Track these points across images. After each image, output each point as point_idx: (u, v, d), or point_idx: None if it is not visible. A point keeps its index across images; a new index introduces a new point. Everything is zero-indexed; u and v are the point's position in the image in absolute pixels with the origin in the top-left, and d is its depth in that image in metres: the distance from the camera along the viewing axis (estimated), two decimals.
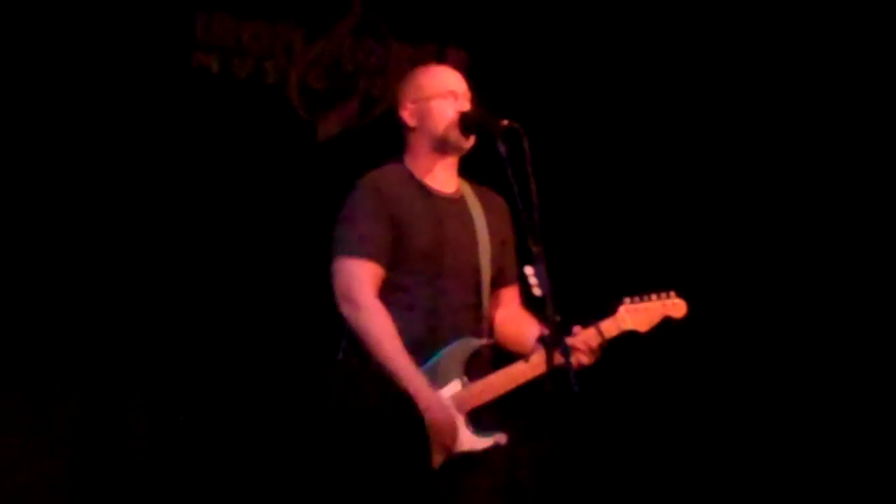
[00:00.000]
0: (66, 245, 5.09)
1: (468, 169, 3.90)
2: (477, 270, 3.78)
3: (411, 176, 3.80)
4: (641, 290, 3.86)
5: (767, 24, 5.86)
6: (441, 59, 5.69)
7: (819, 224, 5.79)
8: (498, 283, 3.87)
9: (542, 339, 3.45)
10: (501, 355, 3.83)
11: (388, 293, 3.67)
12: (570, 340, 3.63)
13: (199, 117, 5.35)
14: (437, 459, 3.61)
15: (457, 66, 5.30)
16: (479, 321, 3.77)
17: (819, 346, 5.75)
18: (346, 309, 3.65)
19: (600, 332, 3.74)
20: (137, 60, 5.20)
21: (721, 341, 5.77)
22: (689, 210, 5.93)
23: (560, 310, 3.39)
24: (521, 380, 3.69)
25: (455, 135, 3.77)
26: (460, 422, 3.64)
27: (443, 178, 3.83)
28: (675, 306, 3.88)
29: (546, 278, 3.40)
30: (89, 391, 5.11)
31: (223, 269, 5.32)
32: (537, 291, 3.41)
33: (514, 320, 3.87)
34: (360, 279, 3.64)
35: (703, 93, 5.93)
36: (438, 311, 3.70)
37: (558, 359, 3.39)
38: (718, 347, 5.79)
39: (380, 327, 3.61)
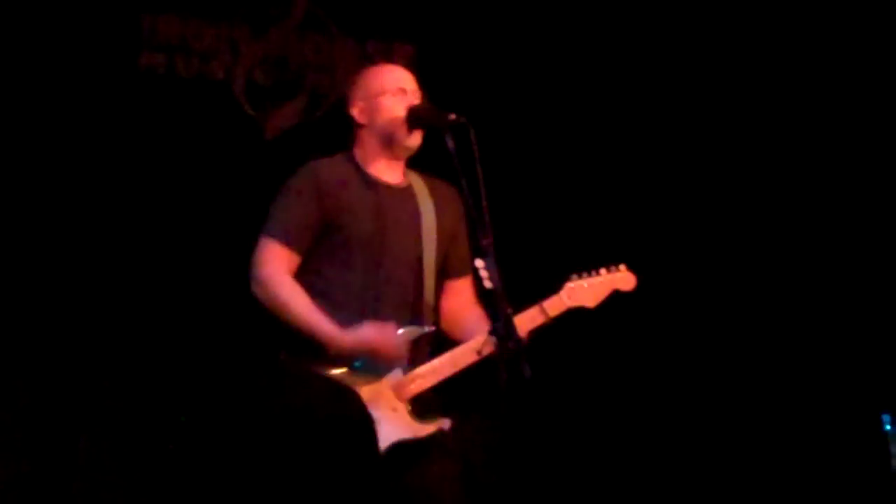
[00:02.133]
0: (8, 245, 5.07)
1: (425, 161, 3.92)
2: (419, 260, 3.80)
3: (357, 166, 3.83)
4: (589, 260, 3.88)
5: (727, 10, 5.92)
6: (387, 54, 5.69)
7: (776, 203, 5.85)
8: (447, 273, 3.89)
9: (493, 330, 3.46)
10: (443, 343, 3.84)
11: (326, 281, 3.69)
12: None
13: (146, 117, 5.34)
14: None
15: (403, 61, 5.34)
16: (419, 311, 3.78)
17: (770, 325, 5.81)
18: (253, 286, 3.68)
19: (544, 311, 3.76)
20: (84, 61, 5.19)
21: (669, 322, 5.81)
22: (635, 196, 5.97)
23: (511, 301, 3.41)
24: (464, 363, 3.71)
25: (403, 133, 3.79)
26: (402, 409, 3.66)
27: (389, 170, 3.85)
28: (623, 279, 3.88)
29: (496, 270, 3.42)
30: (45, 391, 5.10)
31: (170, 267, 5.30)
32: (488, 284, 3.43)
33: (461, 311, 3.89)
34: (268, 258, 3.68)
35: (647, 81, 5.97)
36: (378, 298, 3.71)
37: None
38: (667, 326, 5.83)
39: (285, 291, 3.64)
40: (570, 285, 3.83)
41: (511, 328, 3.42)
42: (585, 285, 3.84)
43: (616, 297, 3.87)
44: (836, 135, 5.78)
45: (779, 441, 5.75)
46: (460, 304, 3.91)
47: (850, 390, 5.67)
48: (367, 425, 3.61)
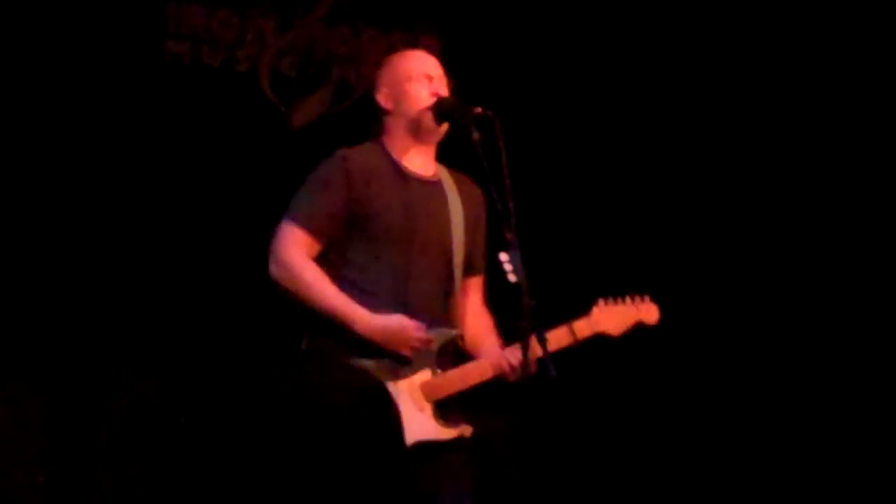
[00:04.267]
0: (35, 237, 5.07)
1: (448, 155, 3.89)
2: (449, 253, 3.79)
3: (388, 156, 3.81)
4: (614, 279, 3.87)
5: (746, 19, 5.87)
6: (413, 46, 5.67)
7: (800, 228, 5.79)
8: (465, 271, 3.87)
9: (515, 329, 3.45)
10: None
11: (356, 271, 3.68)
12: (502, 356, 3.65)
13: (171, 107, 5.33)
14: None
15: (430, 52, 5.31)
16: (447, 308, 3.77)
17: (795, 351, 5.76)
18: (272, 269, 3.68)
19: (572, 332, 3.74)
20: (109, 50, 5.19)
21: (694, 336, 5.77)
22: (665, 201, 5.93)
23: (533, 296, 3.39)
24: (493, 373, 3.70)
25: (428, 119, 3.78)
26: (428, 410, 3.65)
27: (419, 161, 3.84)
28: (648, 311, 3.88)
29: (520, 265, 3.40)
30: (61, 387, 5.10)
31: (195, 259, 5.30)
32: (512, 278, 3.42)
33: (473, 316, 3.88)
34: (290, 242, 3.67)
35: (684, 81, 5.93)
36: (408, 290, 3.70)
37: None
38: (692, 342, 5.79)
39: (309, 274, 3.63)
40: (597, 308, 3.81)
41: (535, 323, 3.39)
42: (612, 311, 3.83)
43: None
44: (868, 163, 5.71)
45: (796, 447, 5.72)
46: (473, 306, 3.90)
47: (869, 407, 5.64)
48: (395, 418, 3.60)
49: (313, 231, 3.68)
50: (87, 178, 5.16)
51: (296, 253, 3.66)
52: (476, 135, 3.57)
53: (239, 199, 5.37)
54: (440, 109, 3.76)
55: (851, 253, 5.69)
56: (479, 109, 3.61)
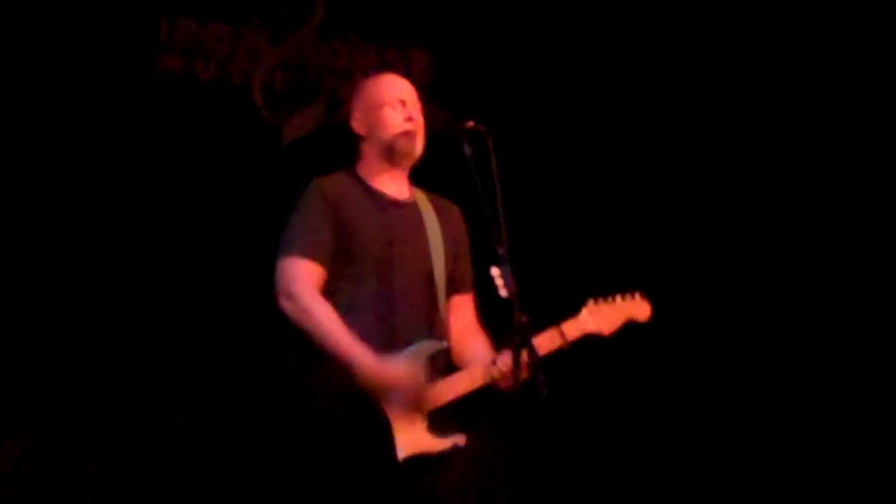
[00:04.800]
0: (29, 248, 5.07)
1: (428, 172, 3.90)
2: (430, 275, 3.79)
3: (361, 181, 3.83)
4: (605, 292, 3.86)
5: (738, 20, 5.89)
6: (405, 61, 5.69)
7: (793, 225, 5.80)
8: (451, 290, 3.87)
9: (507, 343, 3.45)
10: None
11: (339, 298, 3.67)
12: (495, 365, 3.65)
13: (164, 120, 5.33)
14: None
15: (421, 67, 5.33)
16: (434, 325, 3.77)
17: (790, 347, 5.76)
18: (285, 304, 3.65)
19: (562, 334, 3.73)
20: (101, 64, 5.19)
21: (686, 339, 5.79)
22: (654, 212, 5.94)
23: (525, 311, 3.39)
24: (483, 382, 3.69)
25: (403, 143, 3.79)
26: (420, 422, 3.64)
27: (394, 185, 3.85)
28: (639, 308, 3.87)
29: (512, 279, 3.40)
30: (55, 389, 5.10)
31: (185, 271, 5.30)
32: (503, 293, 3.41)
33: (464, 332, 3.88)
34: (297, 276, 3.65)
35: (671, 87, 5.94)
36: (394, 313, 3.70)
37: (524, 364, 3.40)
38: (685, 345, 5.80)
39: (319, 314, 3.61)
40: (587, 309, 3.81)
41: (526, 338, 3.40)
42: (602, 311, 3.82)
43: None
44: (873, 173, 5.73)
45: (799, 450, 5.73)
46: (463, 324, 3.90)
47: (866, 405, 5.64)
48: (386, 430, 3.59)
49: (316, 259, 3.67)
50: (81, 190, 5.16)
51: (303, 286, 3.64)
52: (468, 149, 3.57)
53: (231, 211, 5.37)
54: (432, 126, 3.77)
55: (848, 250, 5.69)
56: (470, 123, 3.61)
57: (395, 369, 3.61)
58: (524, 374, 3.40)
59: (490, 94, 5.61)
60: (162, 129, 5.32)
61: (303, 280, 3.65)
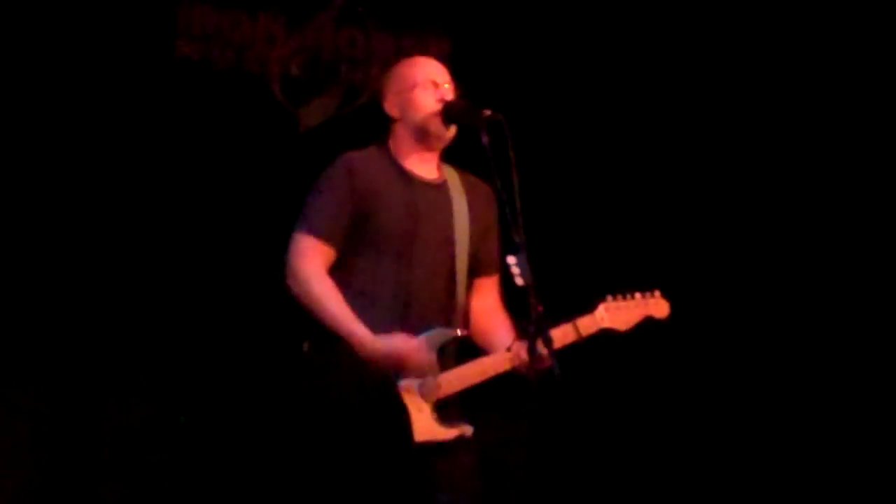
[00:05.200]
0: (43, 238, 5.08)
1: (456, 157, 3.90)
2: (451, 259, 3.77)
3: (392, 159, 3.81)
4: (624, 280, 3.85)
5: (749, 20, 5.87)
6: (423, 49, 5.68)
7: (806, 223, 5.78)
8: (476, 271, 3.86)
9: (523, 331, 3.45)
10: (468, 347, 3.81)
11: (358, 275, 3.68)
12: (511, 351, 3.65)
13: (181, 107, 5.34)
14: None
15: (439, 56, 5.32)
16: (450, 311, 3.76)
17: (800, 347, 5.74)
18: (288, 279, 3.66)
19: (576, 329, 3.73)
20: (119, 50, 5.19)
21: (700, 332, 5.76)
22: (674, 202, 5.92)
23: (542, 299, 3.39)
24: (494, 372, 3.69)
25: (436, 125, 3.78)
26: (427, 410, 3.64)
27: (424, 165, 3.84)
28: (657, 306, 3.87)
29: (528, 268, 3.40)
30: (62, 387, 5.11)
31: (203, 259, 5.31)
32: (519, 281, 3.41)
33: (487, 315, 3.87)
34: (304, 253, 3.66)
35: (690, 83, 5.91)
36: (410, 294, 3.69)
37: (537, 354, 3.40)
38: (699, 339, 5.78)
39: (319, 291, 3.62)
40: (603, 306, 3.80)
41: (542, 327, 3.39)
42: (619, 308, 3.81)
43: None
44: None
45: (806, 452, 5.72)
46: (487, 306, 3.89)
47: (873, 406, 5.63)
48: (405, 414, 3.60)
49: (326, 238, 3.67)
50: (96, 178, 5.18)
51: (308, 264, 3.65)
52: (486, 138, 3.57)
53: (248, 199, 5.38)
54: (449, 113, 3.75)
55: (857, 249, 5.67)
56: (488, 112, 3.61)
57: (393, 341, 3.60)
58: (539, 364, 3.40)
59: (509, 82, 5.59)
60: (179, 116, 5.33)
61: (309, 258, 3.65)
